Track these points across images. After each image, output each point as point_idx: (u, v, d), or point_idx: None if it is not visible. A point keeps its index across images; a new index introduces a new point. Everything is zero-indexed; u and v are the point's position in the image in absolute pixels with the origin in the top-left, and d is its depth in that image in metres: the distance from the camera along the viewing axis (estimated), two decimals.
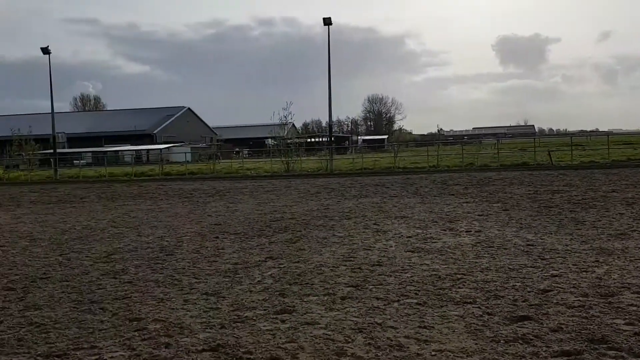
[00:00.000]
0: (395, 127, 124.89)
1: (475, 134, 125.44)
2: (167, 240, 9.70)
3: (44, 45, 37.04)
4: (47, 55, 37.02)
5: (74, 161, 52.09)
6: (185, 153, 49.37)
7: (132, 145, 67.35)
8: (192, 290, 6.23)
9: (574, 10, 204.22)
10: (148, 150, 61.57)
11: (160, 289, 6.35)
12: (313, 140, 72.57)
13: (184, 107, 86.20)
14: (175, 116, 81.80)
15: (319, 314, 5.22)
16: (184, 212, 13.94)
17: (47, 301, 6.00)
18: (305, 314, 5.24)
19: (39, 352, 4.47)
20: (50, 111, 39.52)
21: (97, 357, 4.34)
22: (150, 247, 9.07)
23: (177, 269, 7.37)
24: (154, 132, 75.74)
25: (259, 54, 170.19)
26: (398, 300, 5.55)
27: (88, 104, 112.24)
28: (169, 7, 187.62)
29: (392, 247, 8.35)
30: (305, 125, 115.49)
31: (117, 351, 4.45)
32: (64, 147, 63.37)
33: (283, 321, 5.04)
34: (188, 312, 5.40)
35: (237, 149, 66.96)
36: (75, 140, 70.76)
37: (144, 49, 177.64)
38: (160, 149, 54.71)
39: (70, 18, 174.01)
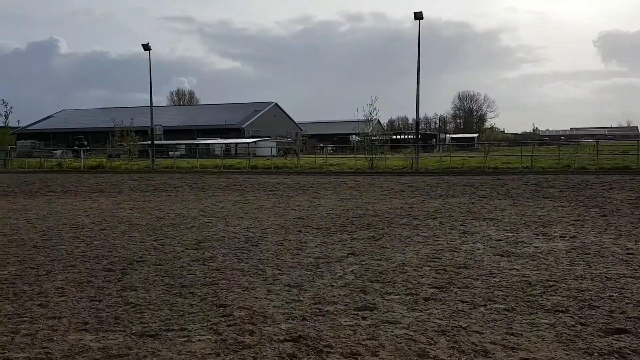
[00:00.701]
0: (487, 125, 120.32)
1: (573, 135, 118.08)
2: (252, 232, 9.99)
3: (145, 42, 39.39)
4: (148, 52, 39.35)
5: (169, 152, 55.10)
6: (271, 147, 50.62)
7: (221, 138, 70.12)
8: (275, 281, 6.37)
9: None
10: (236, 143, 63.80)
11: (246, 277, 6.55)
12: (398, 137, 71.80)
13: (271, 102, 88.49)
14: (263, 111, 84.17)
15: (401, 313, 5.15)
16: (269, 205, 14.30)
17: (142, 283, 6.37)
18: (386, 312, 5.18)
19: (134, 331, 4.76)
20: (149, 105, 42.01)
21: (186, 339, 4.54)
22: (237, 237, 9.38)
23: (262, 259, 7.57)
24: (243, 126, 78.42)
25: (346, 49, 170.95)
26: (485, 305, 5.35)
27: (183, 99, 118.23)
28: (260, 4, 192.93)
29: (479, 249, 8.07)
30: (391, 122, 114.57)
31: (204, 335, 4.64)
32: (160, 139, 67.20)
33: (364, 318, 5.02)
34: (271, 302, 5.52)
35: (322, 145, 67.72)
36: (170, 132, 74.80)
37: (236, 46, 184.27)
38: (248, 143, 56.52)
39: (168, 16, 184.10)
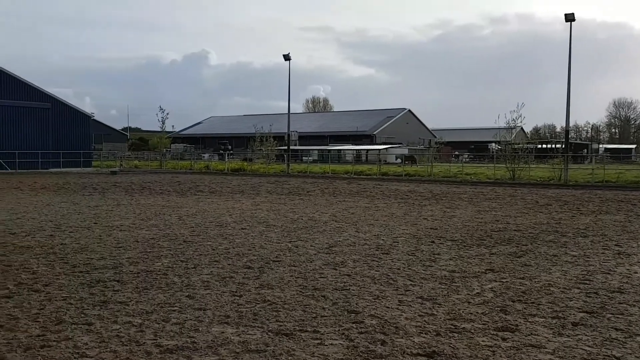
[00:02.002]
0: None
1: None
2: (383, 239, 9.91)
3: (285, 52, 41.30)
4: (288, 62, 41.21)
5: (303, 157, 57.16)
6: (403, 155, 50.16)
7: (353, 144, 71.12)
8: (407, 292, 6.23)
9: None
10: (367, 150, 64.27)
11: (376, 286, 6.49)
12: (544, 146, 67.03)
13: (404, 109, 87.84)
14: (395, 118, 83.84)
15: (546, 337, 4.74)
16: (400, 213, 14.12)
17: (278, 282, 6.61)
18: (529, 335, 4.80)
19: (270, 329, 4.93)
20: (286, 112, 43.97)
21: (319, 341, 4.60)
22: (367, 244, 9.37)
23: (393, 268, 7.46)
24: (374, 132, 78.79)
25: (486, 53, 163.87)
26: None
27: (318, 106, 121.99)
28: (397, 10, 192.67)
29: (637, 273, 7.21)
30: (536, 130, 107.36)
31: (336, 339, 4.66)
32: (295, 144, 69.99)
33: (504, 339, 4.70)
34: (403, 313, 5.40)
35: (457, 152, 65.64)
36: (305, 138, 77.61)
37: (371, 53, 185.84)
38: (379, 149, 56.62)
39: (306, 27, 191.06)
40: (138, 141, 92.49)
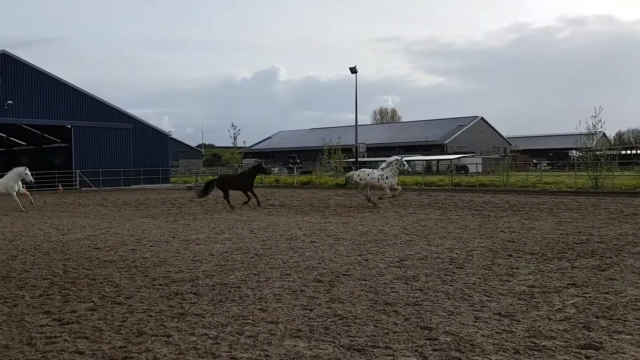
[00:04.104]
0: None
1: None
2: (456, 253, 9.65)
3: (352, 66, 41.55)
4: (354, 74, 41.42)
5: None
6: (477, 164, 48.73)
7: (422, 155, 70.02)
8: (483, 308, 6.01)
9: None
10: (438, 160, 63.03)
11: (450, 301, 6.31)
12: (630, 152, 63.00)
13: (476, 116, 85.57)
14: (467, 126, 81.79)
15: (634, 355, 4.44)
16: (474, 225, 13.69)
17: (349, 296, 6.59)
18: (615, 353, 4.51)
19: (342, 344, 4.91)
20: (354, 124, 44.09)
21: (391, 357, 4.53)
22: (440, 258, 9.15)
23: (467, 283, 7.23)
24: (445, 142, 77.22)
25: (566, 56, 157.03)
26: None
27: (386, 117, 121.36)
28: (470, 16, 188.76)
29: None
30: (620, 135, 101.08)
31: (409, 356, 4.57)
32: (363, 156, 69.86)
33: (587, 357, 4.44)
34: (479, 330, 5.21)
35: (535, 161, 63.01)
36: (373, 149, 77.28)
37: (442, 61, 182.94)
38: (450, 159, 55.38)
39: (377, 37, 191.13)
40: (212, 157, 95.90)
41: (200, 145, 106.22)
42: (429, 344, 4.86)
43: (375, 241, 11.15)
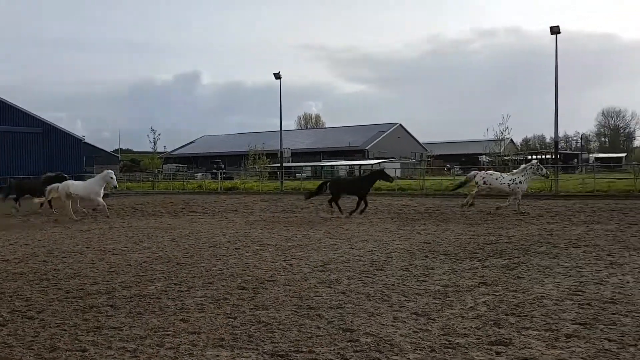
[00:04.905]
0: (636, 143, 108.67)
1: None
2: (377, 255, 9.94)
3: (276, 71, 41.61)
4: (279, 80, 41.50)
5: (296, 174, 57.19)
6: (395, 169, 50.31)
7: (345, 160, 71.31)
8: (401, 308, 6.25)
9: None
10: (360, 165, 64.44)
11: (371, 302, 6.51)
12: (534, 157, 67.58)
13: (395, 123, 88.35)
14: (387, 132, 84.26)
15: (539, 350, 4.77)
16: (393, 228, 14.16)
17: (273, 302, 6.61)
18: (523, 348, 4.83)
19: (265, 350, 4.93)
20: (279, 129, 44.14)
21: None
22: (362, 260, 9.39)
23: (387, 284, 7.48)
24: (366, 147, 79.09)
25: (477, 67, 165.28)
26: (635, 345, 4.82)
27: (310, 122, 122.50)
28: (389, 27, 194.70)
29: (629, 282, 7.27)
30: (526, 141, 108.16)
31: (332, 359, 4.66)
32: (288, 161, 70.08)
33: (498, 353, 4.73)
34: (398, 330, 5.41)
35: (449, 165, 65.94)
36: (298, 154, 77.73)
37: (363, 69, 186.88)
38: (371, 164, 56.79)
39: (302, 44, 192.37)
40: (130, 162, 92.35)
41: (117, 150, 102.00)
42: (350, 345, 4.99)
43: (300, 246, 11.24)
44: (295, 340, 5.17)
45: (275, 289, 7.35)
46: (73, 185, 19.20)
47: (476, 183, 18.31)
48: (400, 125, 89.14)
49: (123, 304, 6.71)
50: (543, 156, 67.69)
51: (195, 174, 63.20)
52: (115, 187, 20.27)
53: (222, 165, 70.66)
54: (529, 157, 63.61)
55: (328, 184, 18.87)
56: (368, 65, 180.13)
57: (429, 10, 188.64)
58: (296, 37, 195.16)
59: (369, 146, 79.76)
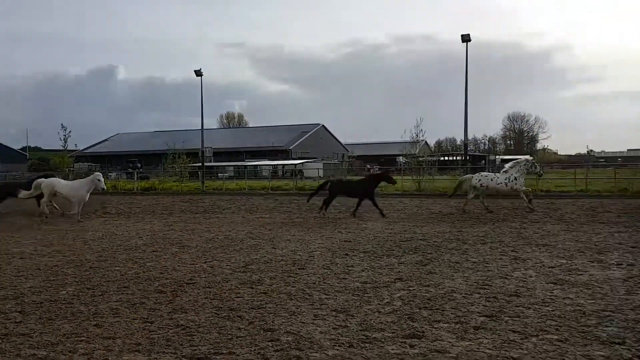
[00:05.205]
0: (539, 146, 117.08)
1: (631, 156, 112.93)
2: (299, 254, 10.05)
3: (197, 68, 40.76)
4: (200, 77, 40.69)
5: (219, 174, 56.30)
6: (318, 169, 50.89)
7: (269, 160, 71.16)
8: (322, 305, 6.38)
9: None
10: (283, 165, 64.56)
11: (292, 302, 6.59)
12: (447, 158, 70.91)
13: (318, 124, 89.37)
14: (310, 133, 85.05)
15: (450, 342, 5.06)
16: (316, 227, 14.35)
17: (192, 305, 6.52)
18: (435, 340, 5.10)
19: (184, 354, 4.87)
20: (200, 127, 43.26)
21: None
22: (284, 260, 9.46)
23: (308, 283, 7.60)
24: (290, 147, 79.38)
25: (395, 71, 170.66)
26: (537, 335, 5.20)
27: (232, 121, 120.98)
28: (309, 29, 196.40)
29: (531, 277, 7.84)
30: (439, 143, 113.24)
31: (252, 359, 4.69)
32: (210, 161, 68.84)
33: (412, 346, 4.96)
34: (318, 328, 5.53)
35: (368, 166, 67.57)
36: (220, 154, 76.57)
37: (286, 69, 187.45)
38: (295, 164, 57.08)
39: (222, 42, 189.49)
40: (38, 161, 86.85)
41: (24, 148, 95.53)
42: (271, 345, 5.04)
43: (222, 247, 11.13)
44: (215, 342, 5.14)
45: (194, 291, 7.25)
46: (60, 184, 18.29)
47: (473, 186, 18.12)
48: (323, 126, 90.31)
49: (32, 309, 6.36)
50: (455, 157, 71.13)
51: (110, 174, 60.50)
52: (104, 189, 18.92)
53: (139, 165, 68.07)
54: (442, 158, 66.74)
55: (329, 184, 18.70)
56: (291, 66, 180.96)
57: (349, 14, 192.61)
58: (219, 34, 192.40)
59: (293, 146, 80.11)
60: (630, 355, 4.55)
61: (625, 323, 5.45)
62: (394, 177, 19.31)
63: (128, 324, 5.79)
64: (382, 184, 19.38)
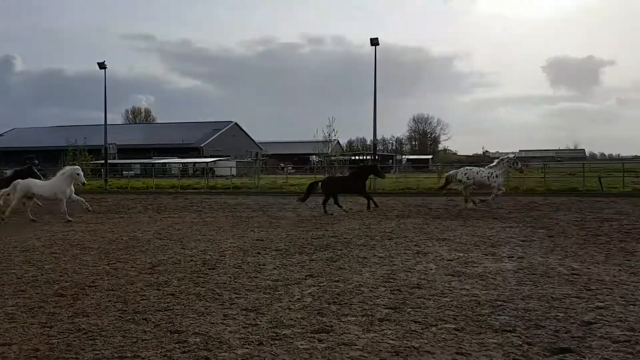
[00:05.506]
0: (440, 147, 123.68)
1: (522, 157, 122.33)
2: (209, 254, 9.92)
3: (101, 61, 38.77)
4: (103, 70, 38.71)
5: (124, 172, 53.91)
6: (231, 167, 50.23)
7: (179, 158, 69.17)
8: (232, 305, 6.36)
9: (630, 33, 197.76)
10: (194, 163, 63.06)
11: (202, 302, 6.51)
12: (357, 157, 72.71)
13: (230, 121, 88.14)
14: (222, 130, 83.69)
15: (356, 335, 5.24)
16: (227, 227, 14.22)
17: (95, 309, 6.25)
18: (342, 334, 5.27)
19: (86, 358, 4.67)
20: (103, 123, 41.18)
21: None
22: (193, 260, 9.30)
23: (219, 283, 7.54)
24: (201, 145, 77.65)
25: (307, 71, 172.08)
26: (436, 325, 5.52)
27: (139, 117, 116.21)
28: (221, 25, 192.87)
29: (432, 269, 8.28)
30: (350, 143, 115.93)
31: None
32: (114, 158, 65.66)
33: (320, 341, 5.09)
34: (227, 327, 5.52)
35: (282, 165, 67.74)
36: (125, 151, 73.30)
37: (197, 65, 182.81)
38: (207, 162, 55.96)
39: (128, 34, 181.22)
40: None
41: None
42: (178, 347, 4.96)
43: (127, 248, 10.72)
44: (119, 346, 4.98)
45: (97, 294, 6.95)
46: (36, 185, 16.60)
47: (460, 180, 18.35)
48: (236, 123, 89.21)
49: None
50: (365, 157, 73.22)
51: (5, 171, 56.01)
52: (84, 184, 17.73)
53: (36, 162, 63.55)
54: (353, 157, 68.40)
55: (320, 184, 18.41)
56: (203, 61, 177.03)
57: (261, 12, 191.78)
58: (126, 25, 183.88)
59: (204, 144, 78.42)
60: (520, 342, 4.96)
61: (516, 312, 5.92)
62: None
63: (25, 329, 5.45)
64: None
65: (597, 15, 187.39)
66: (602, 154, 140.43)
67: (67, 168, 17.43)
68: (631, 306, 6.06)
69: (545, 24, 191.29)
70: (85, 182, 18.14)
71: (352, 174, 19.39)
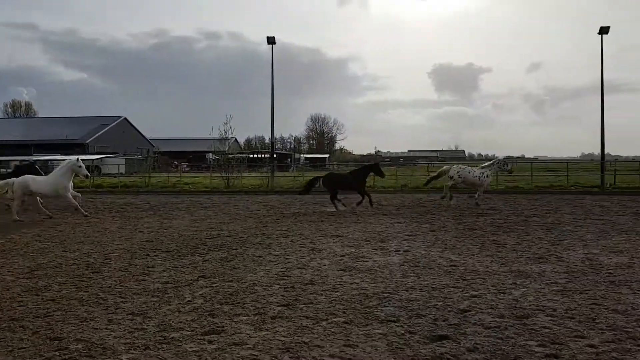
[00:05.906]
0: (337, 146, 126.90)
1: (410, 157, 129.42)
2: (94, 257, 9.40)
3: None
4: None
5: (1, 170, 49.22)
6: (119, 165, 47.70)
7: (62, 154, 64.44)
8: (117, 309, 6.09)
9: (505, 42, 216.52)
10: (77, 159, 59.14)
11: (84, 307, 6.18)
12: (256, 156, 72.36)
13: (119, 116, 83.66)
14: (110, 126, 79.20)
15: (248, 334, 5.25)
16: (114, 228, 13.53)
17: None
18: (233, 334, 5.25)
19: None
20: None
21: None
22: (76, 264, 8.77)
23: (103, 287, 7.18)
24: (87, 141, 72.95)
25: (203, 66, 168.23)
26: (326, 319, 5.68)
27: (19, 111, 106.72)
28: (111, 14, 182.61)
29: (325, 265, 8.50)
30: (248, 141, 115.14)
31: None
32: None
33: (210, 342, 5.04)
34: (112, 333, 5.28)
35: (176, 162, 65.65)
36: (4, 147, 67.07)
37: (83, 56, 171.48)
38: (92, 160, 52.72)
39: (7, 22, 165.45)
40: None
41: None
42: (58, 354, 4.68)
43: (2, 252, 9.88)
44: None
45: None
46: (35, 181, 15.06)
47: (451, 177, 18.68)
48: (125, 119, 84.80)
49: None
50: (262, 155, 73.22)
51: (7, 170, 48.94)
52: (87, 176, 16.38)
53: None
54: (251, 155, 68.05)
55: (321, 180, 18.01)
56: (89, 53, 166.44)
57: (155, 3, 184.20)
58: (5, 12, 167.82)
59: (90, 140, 73.72)
60: (402, 332, 5.25)
61: (400, 303, 6.27)
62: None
63: None
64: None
65: (475, 22, 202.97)
66: (480, 155, 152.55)
67: (67, 160, 16.30)
68: (501, 294, 6.65)
69: (431, 30, 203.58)
70: (89, 174, 17.17)
71: (353, 172, 19.68)
